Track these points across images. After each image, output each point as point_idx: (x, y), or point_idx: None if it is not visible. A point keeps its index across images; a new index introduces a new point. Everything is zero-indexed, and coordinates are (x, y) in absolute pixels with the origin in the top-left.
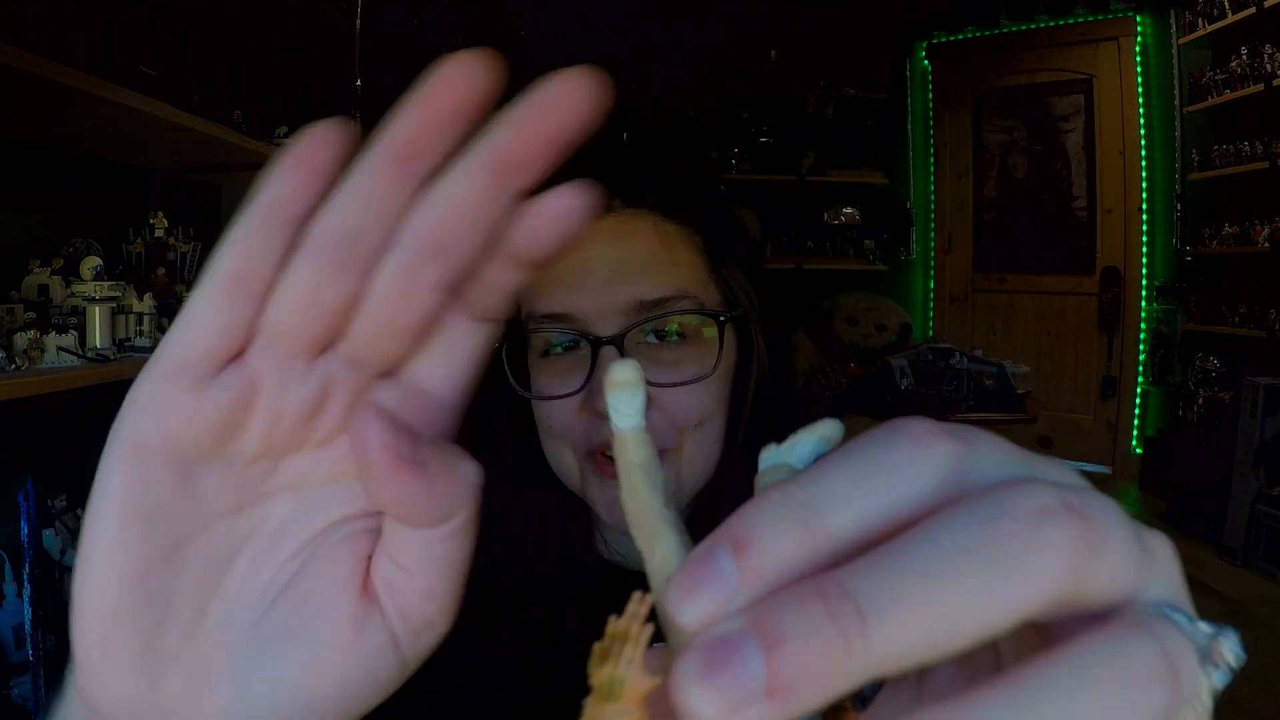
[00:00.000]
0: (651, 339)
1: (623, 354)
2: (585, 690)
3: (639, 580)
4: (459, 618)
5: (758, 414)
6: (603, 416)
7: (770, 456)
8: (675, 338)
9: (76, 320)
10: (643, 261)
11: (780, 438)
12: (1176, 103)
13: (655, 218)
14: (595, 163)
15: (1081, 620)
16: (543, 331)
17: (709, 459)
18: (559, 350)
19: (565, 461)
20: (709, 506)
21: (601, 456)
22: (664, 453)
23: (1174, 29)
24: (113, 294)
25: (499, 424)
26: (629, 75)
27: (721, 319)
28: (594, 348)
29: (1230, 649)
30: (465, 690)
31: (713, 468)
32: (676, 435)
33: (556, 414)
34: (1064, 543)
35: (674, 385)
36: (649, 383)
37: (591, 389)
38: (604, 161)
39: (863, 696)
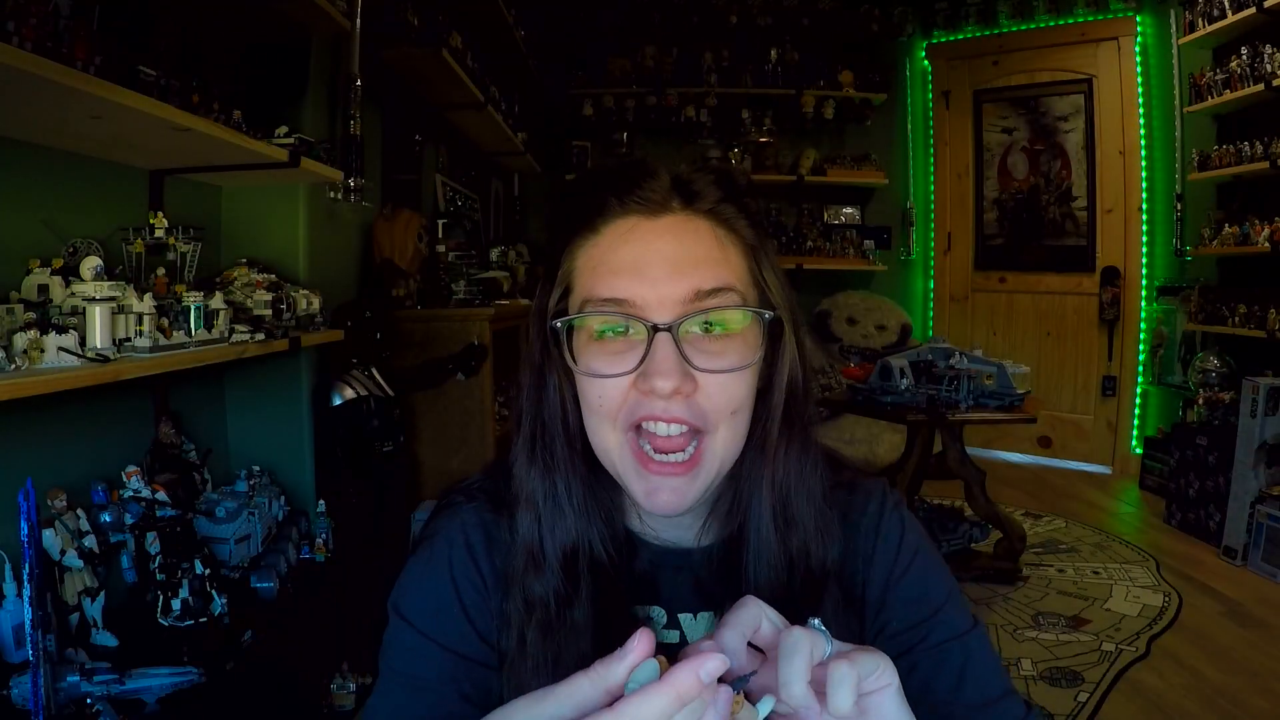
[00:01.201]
0: (699, 331)
1: (676, 341)
2: (588, 654)
3: (668, 555)
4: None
5: (788, 406)
6: (650, 394)
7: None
8: (720, 330)
9: (76, 320)
10: (700, 257)
11: (802, 426)
12: (1176, 103)
13: (710, 221)
14: (661, 170)
15: None
16: (603, 314)
17: (739, 443)
18: (613, 334)
19: (608, 441)
20: (743, 490)
21: (643, 441)
22: (703, 434)
23: (1174, 29)
24: (113, 294)
25: (549, 411)
26: (629, 76)
27: (767, 318)
28: (650, 333)
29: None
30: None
31: (740, 450)
32: (716, 420)
33: (608, 391)
34: None
35: (719, 372)
36: (697, 368)
37: (644, 369)
38: (669, 169)
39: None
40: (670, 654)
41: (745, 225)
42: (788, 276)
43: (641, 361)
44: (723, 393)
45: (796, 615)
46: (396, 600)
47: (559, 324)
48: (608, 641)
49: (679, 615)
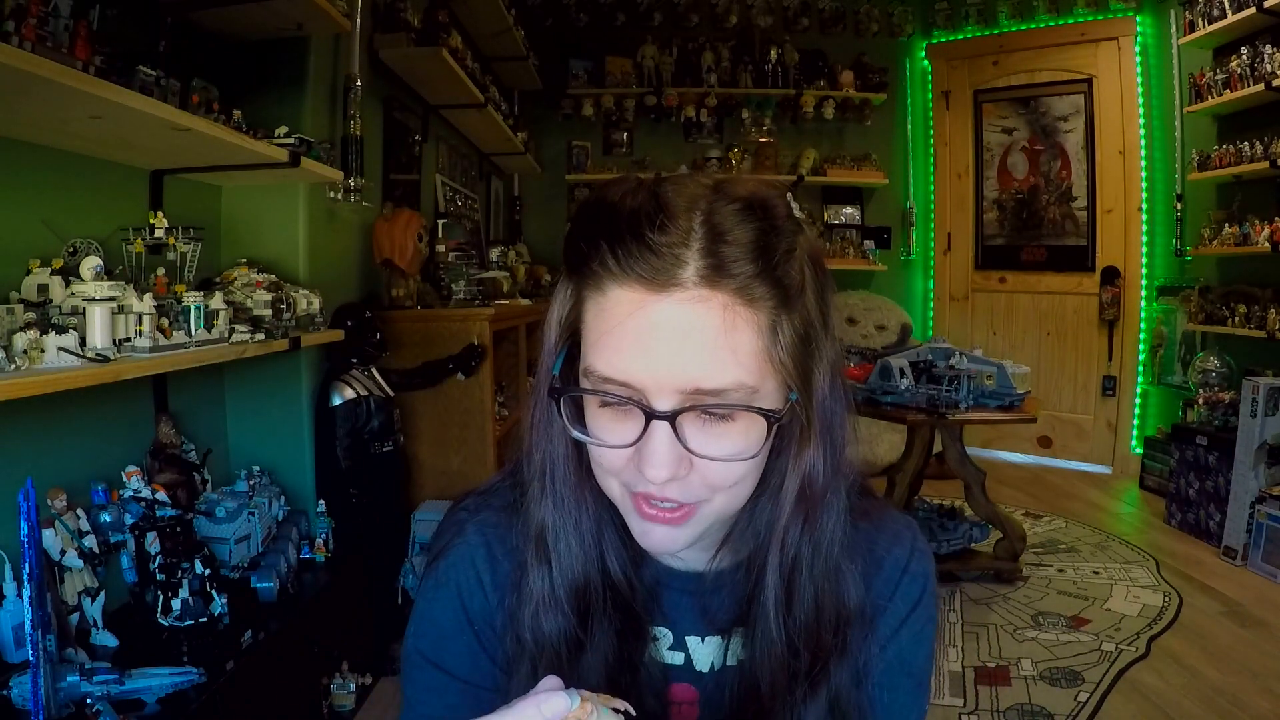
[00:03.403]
0: (703, 415)
1: (675, 429)
2: (620, 666)
3: (675, 576)
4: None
5: (804, 492)
6: (642, 474)
7: None
8: (724, 415)
9: (76, 320)
10: (706, 348)
11: (823, 502)
12: (1176, 103)
13: (727, 300)
14: (678, 216)
15: None
16: (601, 393)
17: (738, 504)
18: (614, 402)
19: (611, 488)
20: (752, 532)
21: (640, 498)
22: (694, 505)
23: (1174, 29)
24: (113, 294)
25: (556, 449)
26: (629, 76)
27: (772, 421)
28: (647, 418)
29: None
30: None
31: (738, 507)
32: (710, 494)
33: (607, 456)
34: None
35: (716, 460)
36: (694, 453)
37: (640, 451)
38: (699, 225)
39: None
40: (671, 676)
41: (772, 300)
42: (828, 320)
43: (639, 438)
44: (720, 474)
45: (800, 696)
46: (413, 640)
47: (559, 397)
48: (618, 687)
49: (686, 638)
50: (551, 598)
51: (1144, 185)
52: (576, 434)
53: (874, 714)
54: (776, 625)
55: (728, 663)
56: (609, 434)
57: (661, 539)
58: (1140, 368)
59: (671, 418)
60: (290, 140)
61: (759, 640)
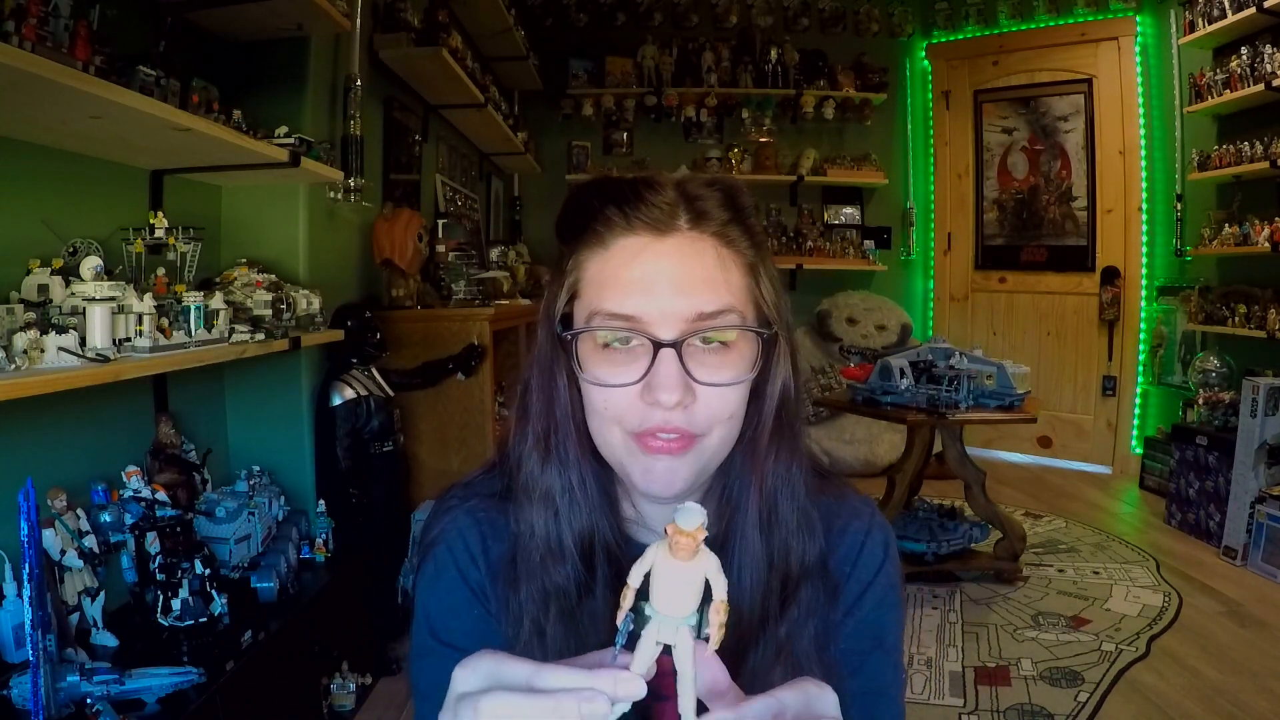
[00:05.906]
0: (700, 344)
1: (680, 356)
2: (609, 639)
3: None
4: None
5: (779, 414)
6: (656, 405)
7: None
8: (720, 345)
9: (76, 320)
10: (703, 279)
11: (792, 432)
12: (1176, 103)
13: (715, 242)
14: (667, 184)
15: None
16: (610, 329)
17: (728, 445)
18: (618, 344)
19: (612, 437)
20: (732, 488)
21: (645, 436)
22: (697, 438)
23: (1174, 29)
24: (113, 294)
25: (560, 409)
26: (629, 76)
27: (764, 336)
28: (655, 348)
29: None
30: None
31: (729, 449)
32: (710, 425)
33: (612, 399)
34: None
35: (718, 385)
36: (697, 381)
37: (649, 381)
38: (678, 193)
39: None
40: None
41: (747, 244)
42: (783, 282)
43: (645, 374)
44: (719, 402)
45: (773, 612)
46: (419, 631)
47: (569, 335)
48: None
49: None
50: (559, 546)
51: (1144, 185)
52: (584, 379)
53: (845, 683)
54: (755, 538)
55: (703, 634)
56: (615, 376)
57: (664, 472)
58: (1140, 368)
59: (677, 345)
60: (290, 140)
61: (740, 554)
